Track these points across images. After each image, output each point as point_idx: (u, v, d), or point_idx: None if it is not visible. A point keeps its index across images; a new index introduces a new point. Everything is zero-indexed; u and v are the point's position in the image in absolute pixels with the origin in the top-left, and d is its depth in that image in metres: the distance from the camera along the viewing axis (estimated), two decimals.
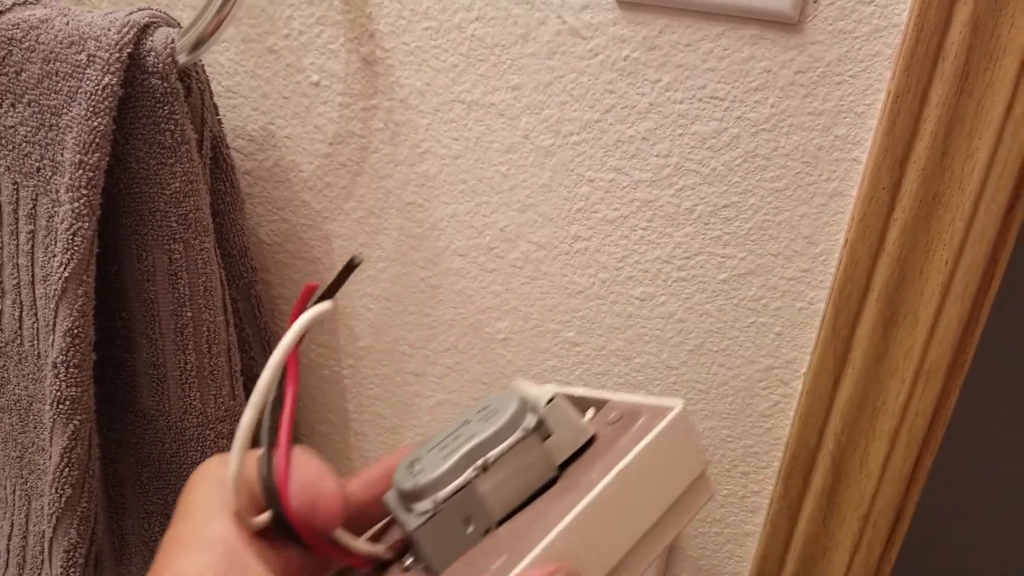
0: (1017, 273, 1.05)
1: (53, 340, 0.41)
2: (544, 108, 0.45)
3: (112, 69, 0.39)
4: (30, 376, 0.47)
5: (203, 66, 0.45)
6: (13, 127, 0.42)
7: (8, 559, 0.51)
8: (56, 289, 0.40)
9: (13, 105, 0.42)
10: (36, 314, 0.44)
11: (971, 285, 0.40)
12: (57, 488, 0.43)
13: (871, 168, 0.39)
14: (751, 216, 0.43)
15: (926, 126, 0.38)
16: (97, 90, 0.39)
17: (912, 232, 0.40)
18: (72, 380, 0.41)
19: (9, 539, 0.51)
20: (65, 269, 0.40)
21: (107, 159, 0.40)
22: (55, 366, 0.41)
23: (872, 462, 0.44)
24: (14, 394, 0.48)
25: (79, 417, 0.42)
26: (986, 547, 1.30)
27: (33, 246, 0.43)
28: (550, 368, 0.51)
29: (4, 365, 0.48)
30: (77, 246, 0.40)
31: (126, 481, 0.49)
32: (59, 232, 0.40)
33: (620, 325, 0.48)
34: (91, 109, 0.39)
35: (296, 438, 0.59)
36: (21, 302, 0.45)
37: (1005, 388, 1.18)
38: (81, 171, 0.39)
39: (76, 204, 0.39)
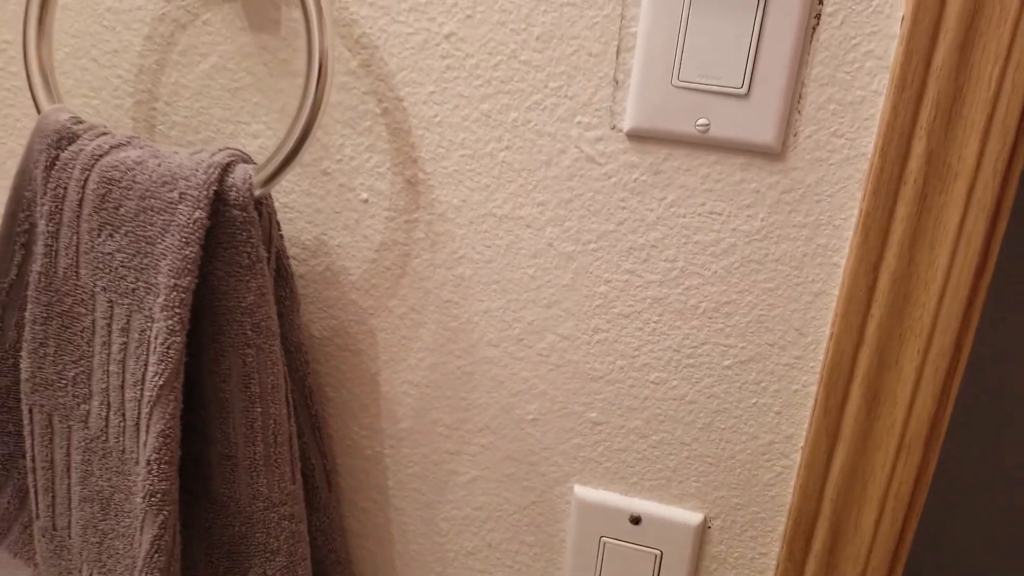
0: (980, 354, 1.18)
1: (147, 440, 0.47)
2: (566, 220, 0.52)
3: (201, 205, 0.46)
4: (113, 469, 0.52)
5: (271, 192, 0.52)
6: (111, 253, 0.48)
7: None
8: (151, 396, 0.46)
9: (111, 235, 0.48)
10: (124, 415, 0.50)
11: (941, 369, 0.47)
12: (147, 573, 0.48)
13: (849, 272, 0.46)
14: (749, 311, 0.50)
15: (894, 238, 0.45)
16: (188, 223, 0.46)
17: (887, 326, 0.46)
18: (163, 475, 0.47)
19: None
20: (160, 378, 0.46)
21: (196, 281, 0.46)
22: (148, 463, 0.47)
23: (865, 525, 0.50)
24: (97, 485, 0.53)
25: (168, 508, 0.47)
26: None
27: (125, 356, 0.49)
28: (575, 446, 0.57)
29: (88, 459, 0.53)
30: (171, 358, 0.46)
31: (200, 562, 0.54)
32: (154, 345, 0.46)
33: (637, 406, 0.55)
34: (183, 240, 0.46)
35: (341, 515, 0.64)
36: (109, 403, 0.51)
37: (982, 454, 1.26)
38: (175, 293, 0.46)
39: (170, 321, 0.46)
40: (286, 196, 0.56)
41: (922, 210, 0.44)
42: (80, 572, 0.57)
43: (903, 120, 0.44)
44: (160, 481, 0.47)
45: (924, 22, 0.42)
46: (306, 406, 0.58)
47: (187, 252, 0.46)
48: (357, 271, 0.57)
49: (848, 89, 0.45)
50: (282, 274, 0.54)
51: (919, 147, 0.44)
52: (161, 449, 0.47)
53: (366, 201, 0.55)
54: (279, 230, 0.53)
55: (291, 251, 0.57)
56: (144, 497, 0.48)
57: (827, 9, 0.44)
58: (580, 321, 0.54)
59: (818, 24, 0.44)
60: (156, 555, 0.48)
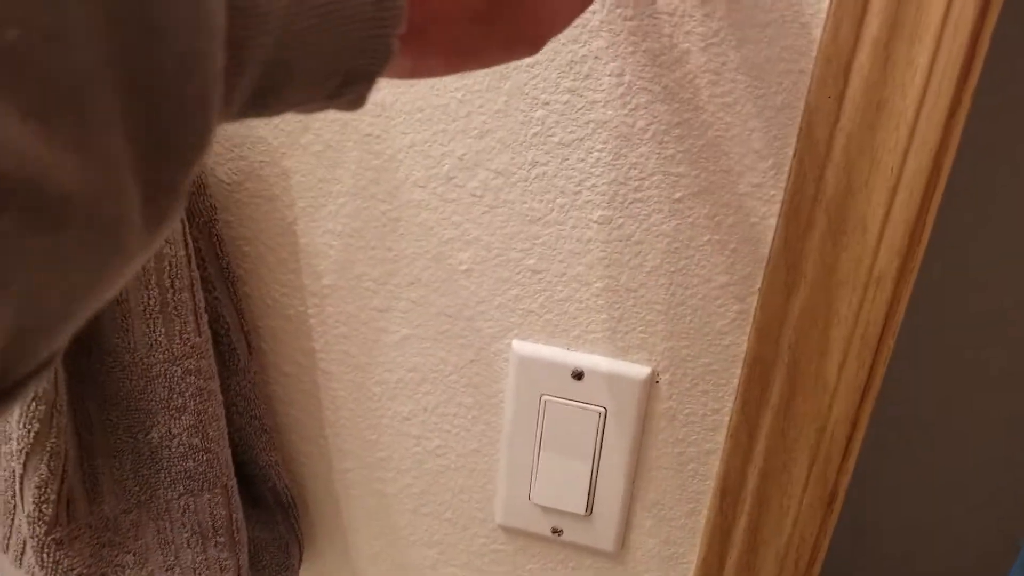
0: (959, 179, 1.03)
1: None
2: None
3: None
4: None
5: None
6: None
7: None
8: None
9: None
10: None
11: (916, 192, 0.41)
12: (25, 423, 0.43)
13: (817, 77, 0.40)
14: (703, 133, 0.44)
15: (867, 31, 0.39)
16: None
17: (858, 141, 0.40)
18: None
19: None
20: None
21: None
22: None
23: (827, 373, 0.45)
24: None
25: None
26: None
27: None
28: (512, 297, 0.51)
29: None
30: None
31: (95, 420, 0.49)
32: None
33: (580, 250, 0.49)
34: None
35: (264, 382, 0.59)
36: None
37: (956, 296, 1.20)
38: None
39: None
40: None
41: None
42: None
43: None
44: None
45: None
46: (215, 257, 0.52)
47: None
48: None
49: None
50: None
51: None
52: None
53: None
54: None
55: None
56: None
57: None
58: (516, 154, 0.48)
59: None
60: (34, 403, 0.43)
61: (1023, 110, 1.06)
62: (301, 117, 0.50)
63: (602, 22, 0.43)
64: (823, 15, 0.40)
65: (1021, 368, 1.23)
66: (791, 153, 0.43)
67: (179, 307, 0.47)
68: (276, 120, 0.50)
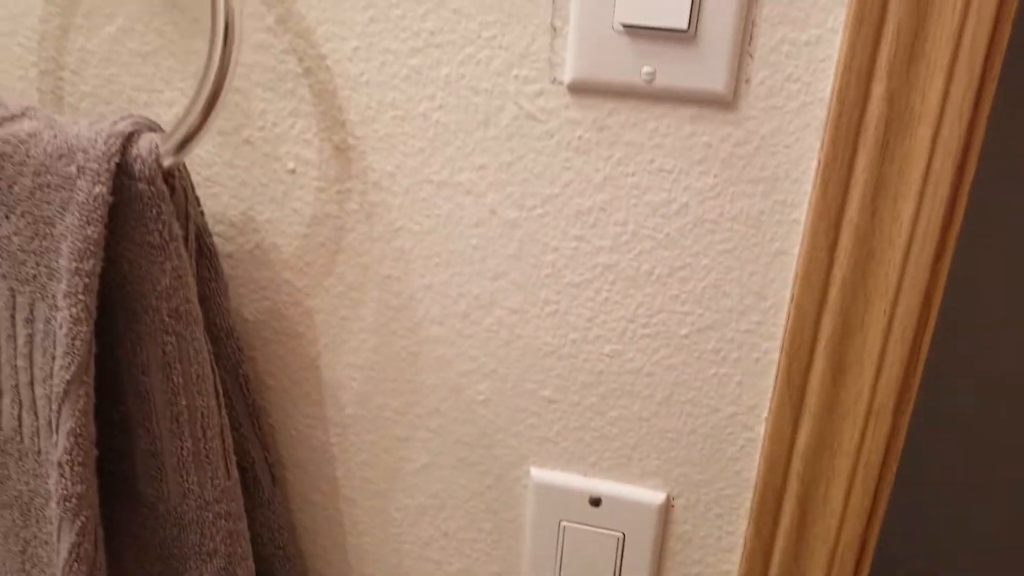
0: (949, 312, 1.12)
1: (57, 440, 0.43)
2: (508, 185, 0.48)
3: (102, 179, 0.42)
4: (30, 472, 0.48)
5: (184, 163, 0.47)
6: (8, 237, 0.44)
7: None
8: (59, 392, 0.42)
9: (7, 216, 0.44)
10: (36, 413, 0.46)
11: (908, 330, 0.44)
12: None
13: (809, 229, 0.43)
14: (705, 275, 0.47)
15: (855, 190, 0.42)
16: (89, 200, 0.42)
17: (851, 286, 0.43)
18: (77, 478, 0.43)
19: None
20: (67, 372, 0.42)
21: (100, 264, 0.42)
22: (60, 465, 0.43)
23: (834, 499, 0.47)
24: (15, 490, 0.50)
25: (85, 512, 0.44)
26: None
27: (31, 349, 0.45)
28: (529, 426, 0.53)
29: (4, 462, 0.49)
30: (77, 350, 0.42)
31: (131, 569, 0.50)
32: (59, 336, 0.42)
33: (593, 381, 0.51)
34: (84, 218, 0.42)
35: (288, 510, 0.61)
36: (20, 401, 0.47)
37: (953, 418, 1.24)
38: (77, 278, 0.42)
39: (74, 310, 0.42)
40: (207, 169, 0.52)
41: (884, 158, 0.41)
42: None
43: (861, 61, 0.40)
44: (74, 484, 0.43)
45: None
46: (242, 396, 0.54)
47: (88, 232, 0.42)
48: (289, 248, 0.53)
49: (803, 27, 0.41)
50: (204, 254, 0.50)
51: (879, 89, 0.40)
52: (73, 449, 0.43)
53: (294, 171, 0.51)
54: (198, 206, 0.49)
55: (216, 228, 0.53)
56: (59, 502, 0.44)
57: None
58: (529, 293, 0.50)
59: None
60: (76, 564, 0.44)
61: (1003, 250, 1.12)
62: (324, 261, 0.53)
63: (606, 178, 0.46)
64: (811, 173, 0.43)
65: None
66: (788, 295, 0.46)
67: (210, 454, 0.49)
68: (300, 264, 0.53)
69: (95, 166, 0.42)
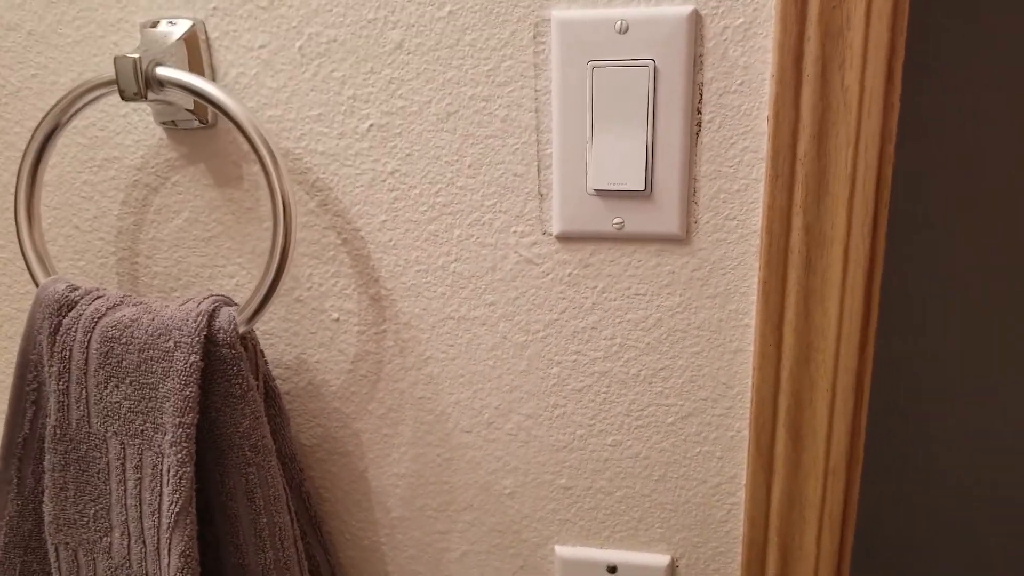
0: (879, 389, 1.34)
1: (169, 562, 0.53)
2: (515, 315, 0.59)
3: (195, 350, 0.53)
4: None
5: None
6: (118, 402, 0.55)
7: None
8: (169, 522, 0.52)
9: (117, 386, 0.54)
10: (144, 542, 0.56)
11: (849, 401, 0.55)
12: None
13: (759, 332, 0.54)
14: (682, 373, 0.58)
15: (790, 299, 0.53)
16: (186, 367, 0.52)
17: (798, 373, 0.54)
18: None
19: None
20: (176, 505, 0.52)
21: (198, 417, 0.53)
22: None
23: (808, 545, 0.57)
24: None
25: None
26: None
27: (140, 490, 0.55)
28: (550, 511, 0.63)
29: None
30: (183, 487, 0.52)
31: None
32: (167, 478, 0.52)
33: (600, 468, 0.62)
34: (183, 382, 0.52)
35: None
36: (129, 533, 0.56)
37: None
38: (181, 430, 0.52)
39: (180, 455, 0.52)
40: (266, 324, 0.63)
41: (809, 273, 0.53)
42: None
43: (781, 201, 0.52)
44: None
45: (785, 121, 0.51)
46: (305, 509, 0.64)
47: (188, 392, 0.52)
48: (336, 382, 0.64)
49: (733, 179, 0.53)
50: (270, 395, 0.60)
51: (798, 222, 0.52)
52: (184, 568, 0.52)
53: (337, 320, 0.62)
54: (263, 357, 0.60)
55: (275, 372, 0.64)
56: None
57: (706, 117, 0.53)
58: (540, 400, 0.61)
59: (700, 130, 0.53)
60: None
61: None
62: (367, 390, 0.63)
63: (594, 304, 0.57)
64: (755, 287, 0.55)
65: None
66: (750, 383, 0.57)
67: (287, 562, 0.58)
68: (346, 394, 0.63)
69: (189, 340, 0.53)
